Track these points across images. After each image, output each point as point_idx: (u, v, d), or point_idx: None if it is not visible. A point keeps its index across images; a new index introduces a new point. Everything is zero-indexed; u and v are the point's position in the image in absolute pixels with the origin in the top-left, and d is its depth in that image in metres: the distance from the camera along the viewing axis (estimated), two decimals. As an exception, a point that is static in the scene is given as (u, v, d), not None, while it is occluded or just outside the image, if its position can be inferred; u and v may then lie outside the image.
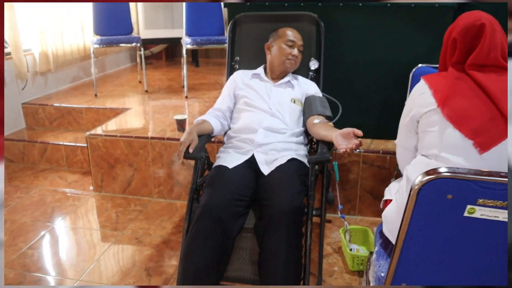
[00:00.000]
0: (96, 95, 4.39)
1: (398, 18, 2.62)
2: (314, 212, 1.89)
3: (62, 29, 4.56)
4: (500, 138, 1.25)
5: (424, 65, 2.35)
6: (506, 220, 1.03)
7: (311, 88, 2.32)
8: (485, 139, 1.26)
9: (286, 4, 2.68)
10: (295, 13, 2.53)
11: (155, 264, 2.34)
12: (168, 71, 5.78)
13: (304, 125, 2.20)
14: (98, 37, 4.32)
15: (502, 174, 1.02)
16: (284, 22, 2.44)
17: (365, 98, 2.82)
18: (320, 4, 2.64)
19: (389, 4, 2.59)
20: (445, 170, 1.04)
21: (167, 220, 2.81)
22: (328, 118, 2.15)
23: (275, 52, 2.28)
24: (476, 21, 1.37)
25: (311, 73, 2.47)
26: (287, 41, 2.27)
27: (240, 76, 2.34)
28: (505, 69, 1.36)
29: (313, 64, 2.46)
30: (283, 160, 1.98)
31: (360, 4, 2.62)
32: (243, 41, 2.54)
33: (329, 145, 1.90)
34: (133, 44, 4.43)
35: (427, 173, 1.05)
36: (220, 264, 1.78)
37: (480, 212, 1.04)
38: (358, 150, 2.61)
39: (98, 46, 4.26)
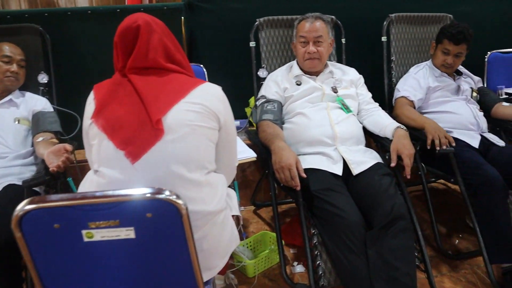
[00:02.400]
0: None
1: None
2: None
3: None
4: (149, 145, 1.21)
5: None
6: (131, 237, 1.00)
7: (38, 103, 2.18)
8: (135, 148, 1.21)
9: (8, 16, 2.48)
10: (13, 26, 2.35)
11: None
12: None
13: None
14: None
15: (109, 193, 0.98)
16: (3, 36, 2.25)
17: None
18: (46, 14, 2.50)
19: (118, 10, 2.58)
20: (47, 198, 0.96)
21: None
22: (57, 133, 2.05)
23: None
24: (132, 23, 1.32)
25: (41, 88, 2.33)
26: (2, 57, 2.09)
27: None
28: (168, 70, 1.34)
29: (42, 78, 2.32)
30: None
31: (89, 11, 2.56)
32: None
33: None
34: None
35: (31, 201, 0.95)
36: None
37: (99, 234, 0.99)
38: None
39: None
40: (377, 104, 2.34)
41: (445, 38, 2.42)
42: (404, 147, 1.97)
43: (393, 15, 2.72)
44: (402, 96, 2.50)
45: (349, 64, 2.57)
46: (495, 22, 3.21)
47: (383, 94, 2.71)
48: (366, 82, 2.44)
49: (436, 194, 3.06)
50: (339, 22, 2.64)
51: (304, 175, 1.79)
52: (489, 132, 2.50)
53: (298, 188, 1.78)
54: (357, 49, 2.80)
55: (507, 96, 2.90)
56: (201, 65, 2.56)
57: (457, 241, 2.49)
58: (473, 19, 3.11)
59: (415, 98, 2.47)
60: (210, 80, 2.56)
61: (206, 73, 2.56)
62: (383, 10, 2.75)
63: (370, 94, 2.36)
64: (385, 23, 2.71)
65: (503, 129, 2.54)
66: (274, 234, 2.23)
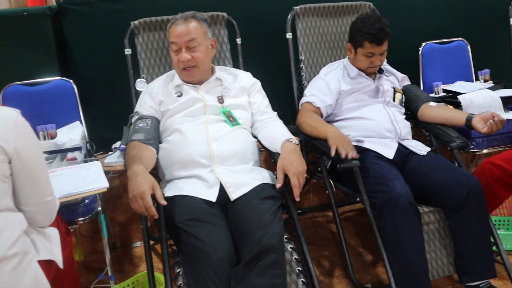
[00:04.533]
0: None
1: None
2: None
3: None
4: None
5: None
6: None
7: None
8: None
9: None
10: None
11: None
12: None
13: None
14: None
15: None
16: None
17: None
18: None
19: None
20: None
21: None
22: None
23: None
24: None
25: None
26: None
27: None
28: None
29: None
30: None
31: None
32: None
33: None
34: None
35: None
36: None
37: None
38: None
39: None
40: (274, 113, 1.98)
41: (365, 40, 2.02)
42: (290, 164, 1.63)
43: (298, 7, 2.33)
44: (307, 102, 2.10)
45: (249, 67, 2.20)
46: (429, 8, 2.80)
47: (292, 99, 2.31)
48: (271, 87, 2.09)
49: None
50: (232, 19, 2.25)
51: (163, 202, 1.52)
52: (414, 138, 2.11)
53: (156, 217, 1.51)
54: (258, 49, 2.42)
55: (444, 94, 2.50)
56: (70, 80, 2.18)
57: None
58: (402, 5, 2.73)
59: (323, 104, 2.07)
60: (84, 98, 2.26)
61: (76, 88, 2.17)
62: (287, 1, 2.36)
63: (266, 102, 1.99)
64: (289, 17, 2.32)
65: (433, 134, 2.13)
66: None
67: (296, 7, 2.32)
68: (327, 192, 1.96)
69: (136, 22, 2.15)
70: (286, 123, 1.93)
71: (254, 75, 2.04)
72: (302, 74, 2.34)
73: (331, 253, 2.25)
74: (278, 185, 1.65)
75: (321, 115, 2.09)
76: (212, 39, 1.91)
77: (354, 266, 2.03)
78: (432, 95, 2.50)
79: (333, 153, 1.78)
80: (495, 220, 2.31)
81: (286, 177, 1.62)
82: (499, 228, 2.32)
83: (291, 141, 1.74)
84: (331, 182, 1.98)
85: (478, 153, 2.29)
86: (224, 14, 2.24)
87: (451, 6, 2.84)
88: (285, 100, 2.30)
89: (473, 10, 2.87)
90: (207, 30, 1.89)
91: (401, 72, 2.29)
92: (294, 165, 1.63)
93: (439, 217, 1.84)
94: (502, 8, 2.70)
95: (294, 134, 2.08)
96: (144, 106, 1.90)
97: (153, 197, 1.49)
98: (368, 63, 2.07)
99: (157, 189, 1.53)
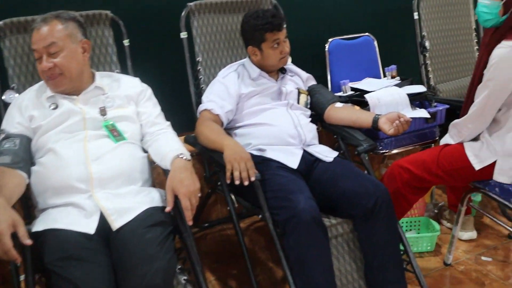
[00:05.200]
0: None
1: None
2: None
3: None
4: None
5: None
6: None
7: None
8: None
9: None
10: None
11: None
12: None
13: None
14: None
15: None
16: None
17: None
18: None
19: None
20: None
21: None
22: None
23: None
24: None
25: None
26: None
27: None
28: None
29: None
30: None
31: None
32: None
33: None
34: None
35: None
36: None
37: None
38: None
39: None
40: (167, 123, 1.78)
41: (265, 32, 1.87)
42: (180, 184, 1.46)
43: (192, 3, 2.11)
44: (205, 110, 1.90)
45: (139, 72, 1.97)
46: (336, 3, 2.70)
47: (191, 105, 2.10)
48: (168, 93, 1.93)
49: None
50: (117, 18, 2.00)
51: (27, 242, 1.28)
52: (322, 141, 1.98)
53: (18, 261, 1.28)
54: (150, 51, 2.19)
55: (352, 93, 2.40)
56: None
57: None
58: (308, 1, 2.60)
59: (222, 110, 1.88)
60: None
61: None
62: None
63: (157, 111, 1.77)
64: (183, 14, 2.09)
65: (340, 137, 2.01)
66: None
67: (190, 4, 2.10)
68: (228, 208, 1.79)
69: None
70: (186, 131, 1.78)
71: (146, 80, 1.82)
72: (200, 77, 2.14)
73: (240, 271, 2.08)
74: (168, 209, 1.46)
75: (222, 123, 1.91)
76: (84, 41, 1.64)
77: (263, 284, 1.88)
78: (340, 93, 2.40)
79: (228, 176, 1.60)
80: (407, 222, 2.26)
81: (177, 198, 1.44)
82: (410, 230, 2.27)
83: (182, 157, 1.55)
84: (232, 196, 1.81)
85: (387, 154, 2.22)
86: (108, 12, 1.98)
87: (357, 1, 2.75)
88: (183, 106, 2.10)
89: (378, 4, 2.81)
90: (76, 31, 1.62)
91: (310, 71, 2.17)
92: (185, 184, 1.45)
93: (347, 229, 1.73)
94: (406, 1, 2.65)
95: (193, 144, 1.90)
96: (12, 122, 1.61)
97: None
98: (278, 53, 1.93)
99: (19, 226, 1.29)
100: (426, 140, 2.29)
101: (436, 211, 2.48)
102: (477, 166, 1.79)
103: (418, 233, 2.25)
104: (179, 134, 1.75)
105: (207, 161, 2.12)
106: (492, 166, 1.78)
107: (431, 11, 2.67)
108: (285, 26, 1.93)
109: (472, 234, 2.26)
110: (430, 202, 2.53)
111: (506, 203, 1.77)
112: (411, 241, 2.10)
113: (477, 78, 1.78)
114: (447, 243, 2.11)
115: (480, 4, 1.74)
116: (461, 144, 1.86)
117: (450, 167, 1.85)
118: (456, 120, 1.88)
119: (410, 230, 2.27)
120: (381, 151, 2.20)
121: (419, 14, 2.64)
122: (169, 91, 2.13)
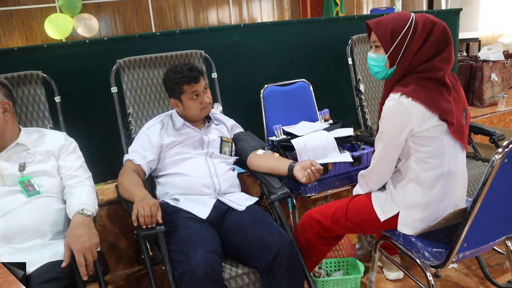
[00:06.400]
0: None
1: None
2: None
3: None
4: None
5: None
6: None
7: None
8: None
9: None
10: None
11: None
12: None
13: None
14: None
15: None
16: None
17: None
18: None
19: None
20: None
21: None
22: None
23: None
24: None
25: None
26: None
27: None
28: None
29: None
30: None
31: None
32: None
33: None
34: None
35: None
36: None
37: None
38: None
39: None
40: (86, 175, 1.88)
41: (182, 85, 2.00)
42: (75, 240, 1.54)
43: (121, 60, 2.26)
44: (128, 160, 2.01)
45: (71, 126, 2.10)
46: (272, 51, 2.83)
47: (123, 155, 2.22)
48: (103, 144, 2.09)
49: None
50: (47, 77, 2.15)
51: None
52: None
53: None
54: (81, 105, 2.33)
55: (284, 137, 2.50)
56: None
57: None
58: (245, 49, 2.74)
59: (144, 160, 2.00)
60: None
61: None
62: (111, 55, 2.28)
63: (78, 164, 1.88)
64: (113, 69, 2.24)
65: (261, 183, 2.10)
66: None
67: (119, 60, 2.25)
68: (142, 256, 1.87)
69: None
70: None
71: (78, 133, 1.96)
72: (131, 128, 2.26)
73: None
74: (63, 264, 1.53)
75: (144, 172, 2.01)
76: (4, 102, 1.75)
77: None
78: (273, 138, 2.50)
79: (133, 219, 1.68)
80: (335, 262, 2.31)
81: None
82: (339, 269, 2.33)
83: (82, 213, 1.64)
84: (147, 244, 1.90)
85: (312, 197, 2.29)
86: (39, 72, 2.13)
87: (294, 49, 2.88)
88: (117, 155, 2.21)
89: (314, 51, 2.93)
90: None
91: (248, 116, 2.28)
92: (80, 241, 1.54)
93: (254, 278, 1.76)
94: (340, 48, 2.77)
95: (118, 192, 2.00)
96: None
97: None
98: (198, 104, 2.04)
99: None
100: (352, 183, 2.33)
101: (370, 249, 2.53)
102: (382, 218, 1.79)
103: (347, 273, 2.30)
104: (112, 182, 1.85)
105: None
106: (396, 217, 1.78)
107: (364, 57, 2.78)
108: (204, 77, 2.06)
109: (398, 274, 2.30)
110: (365, 239, 2.58)
111: (409, 253, 1.76)
112: (335, 283, 2.16)
113: (377, 129, 1.83)
114: (378, 281, 2.11)
115: (368, 57, 1.77)
116: (368, 195, 1.88)
117: (358, 218, 1.86)
118: (362, 171, 1.91)
119: (339, 270, 2.33)
120: (307, 195, 2.27)
121: (353, 60, 2.76)
122: (104, 142, 2.25)
